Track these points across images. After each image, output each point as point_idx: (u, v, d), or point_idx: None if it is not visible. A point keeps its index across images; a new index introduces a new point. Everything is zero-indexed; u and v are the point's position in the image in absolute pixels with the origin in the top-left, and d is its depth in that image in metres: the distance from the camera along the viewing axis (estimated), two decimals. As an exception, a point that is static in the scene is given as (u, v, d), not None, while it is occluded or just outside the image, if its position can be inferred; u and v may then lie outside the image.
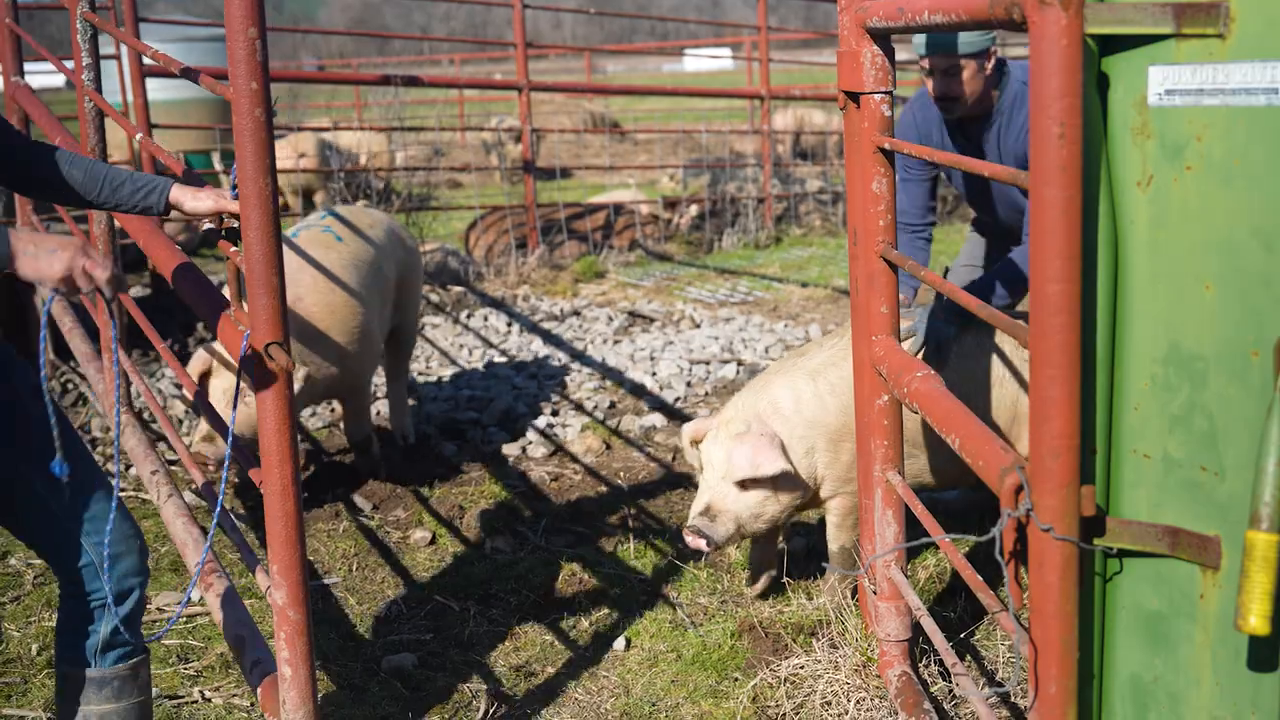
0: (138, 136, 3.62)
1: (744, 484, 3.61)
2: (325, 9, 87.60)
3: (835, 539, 3.87)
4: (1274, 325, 1.86)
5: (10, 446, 2.57)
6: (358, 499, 4.97)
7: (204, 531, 3.91)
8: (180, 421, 5.82)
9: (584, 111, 20.42)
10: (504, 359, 7.21)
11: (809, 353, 3.86)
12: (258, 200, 2.61)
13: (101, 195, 2.72)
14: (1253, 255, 1.89)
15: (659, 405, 6.32)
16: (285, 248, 4.65)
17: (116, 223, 4.98)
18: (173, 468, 5.14)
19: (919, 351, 3.71)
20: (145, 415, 5.69)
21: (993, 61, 3.99)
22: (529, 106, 9.88)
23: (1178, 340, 2.02)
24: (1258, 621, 1.83)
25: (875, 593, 3.24)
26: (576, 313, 8.34)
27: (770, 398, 3.73)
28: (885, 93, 2.99)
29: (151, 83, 7.53)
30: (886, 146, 2.98)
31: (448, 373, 6.90)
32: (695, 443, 3.79)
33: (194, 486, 4.91)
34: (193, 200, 2.76)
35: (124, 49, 7.21)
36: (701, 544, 3.59)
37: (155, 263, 3.50)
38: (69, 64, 5.16)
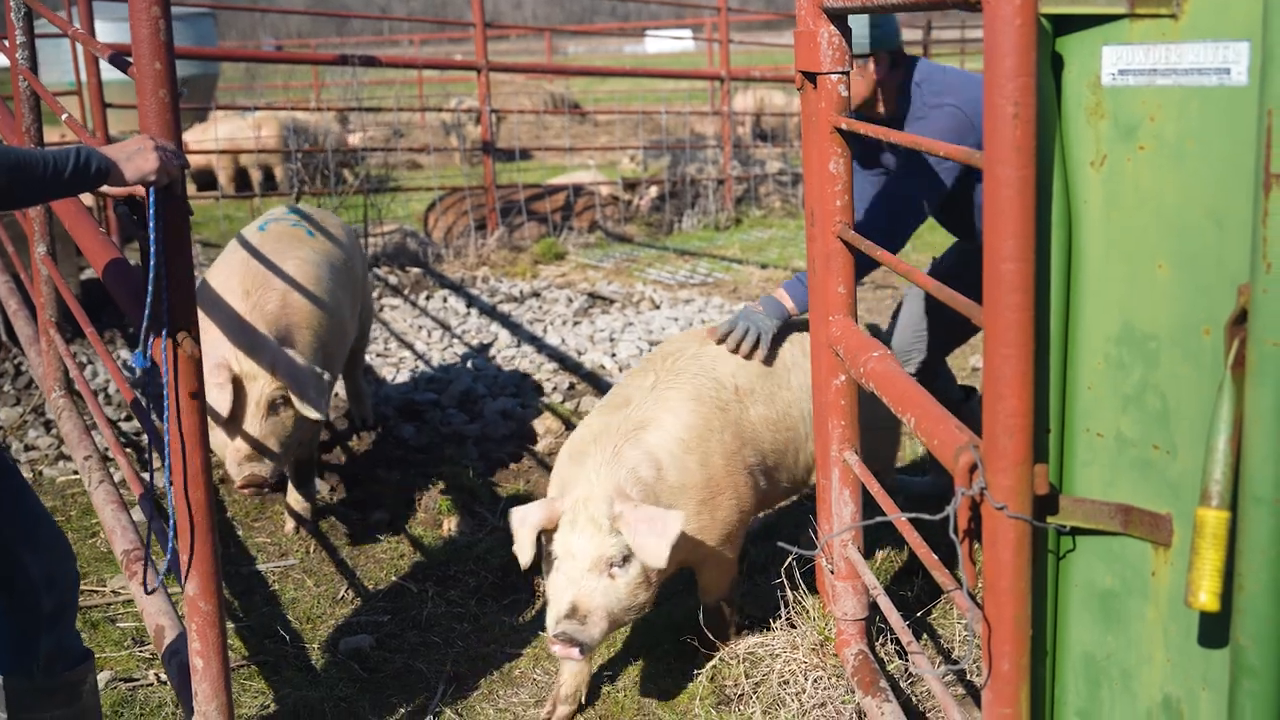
0: (64, 116, 3.58)
1: (612, 572, 3.09)
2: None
3: (710, 594, 3.56)
4: (1226, 304, 1.87)
5: None
6: (316, 481, 4.95)
7: (132, 520, 3.87)
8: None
9: (544, 92, 20.35)
10: (463, 340, 7.19)
11: (633, 402, 3.41)
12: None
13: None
14: (1205, 235, 1.90)
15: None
16: (262, 244, 4.50)
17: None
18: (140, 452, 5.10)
19: (738, 345, 3.57)
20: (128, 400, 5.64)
21: (883, 65, 3.82)
22: (488, 87, 9.84)
23: (1131, 319, 2.03)
24: (1208, 598, 1.84)
25: (832, 572, 3.25)
26: (536, 294, 8.32)
27: (628, 469, 3.22)
28: (842, 73, 2.99)
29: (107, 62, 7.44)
30: (843, 127, 2.98)
31: (406, 355, 6.87)
32: (546, 531, 3.17)
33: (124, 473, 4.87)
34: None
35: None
36: (574, 653, 3.04)
37: (85, 252, 3.44)
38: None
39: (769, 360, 3.60)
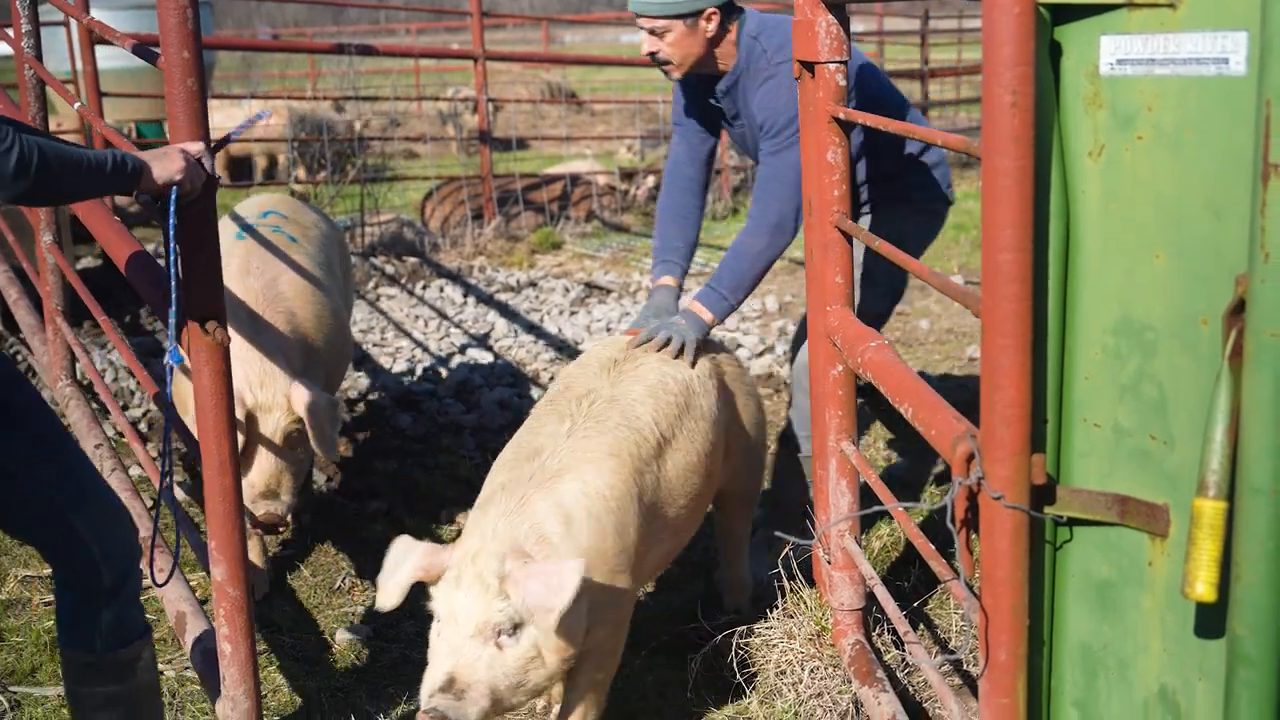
0: (76, 105, 3.58)
1: (500, 641, 2.66)
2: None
3: (578, 698, 3.06)
4: (1223, 295, 1.87)
5: (4, 440, 2.56)
6: (314, 470, 4.95)
7: (147, 507, 3.87)
8: (130, 394, 5.76)
9: (541, 82, 20.31)
10: (460, 330, 7.18)
11: (545, 450, 2.99)
12: None
13: None
14: (1203, 225, 1.90)
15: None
16: (248, 258, 4.15)
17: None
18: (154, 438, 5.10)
19: (661, 349, 3.37)
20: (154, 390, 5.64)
21: (715, 21, 3.57)
22: (485, 76, 9.82)
23: (1128, 310, 2.02)
24: (1205, 589, 1.84)
25: (829, 562, 3.25)
26: (533, 284, 8.32)
27: (532, 522, 2.80)
28: (840, 62, 2.98)
29: (102, 50, 7.42)
30: (841, 116, 2.97)
31: (403, 344, 6.87)
32: (429, 582, 2.76)
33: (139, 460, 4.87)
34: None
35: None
36: None
37: (104, 245, 3.43)
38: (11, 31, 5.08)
39: (688, 391, 3.28)
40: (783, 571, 3.41)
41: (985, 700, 2.14)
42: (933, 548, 2.59)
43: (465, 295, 8.03)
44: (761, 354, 6.64)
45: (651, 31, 3.61)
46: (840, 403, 3.17)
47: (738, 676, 3.33)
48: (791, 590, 3.45)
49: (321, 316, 4.22)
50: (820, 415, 3.22)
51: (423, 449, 5.21)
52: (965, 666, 3.36)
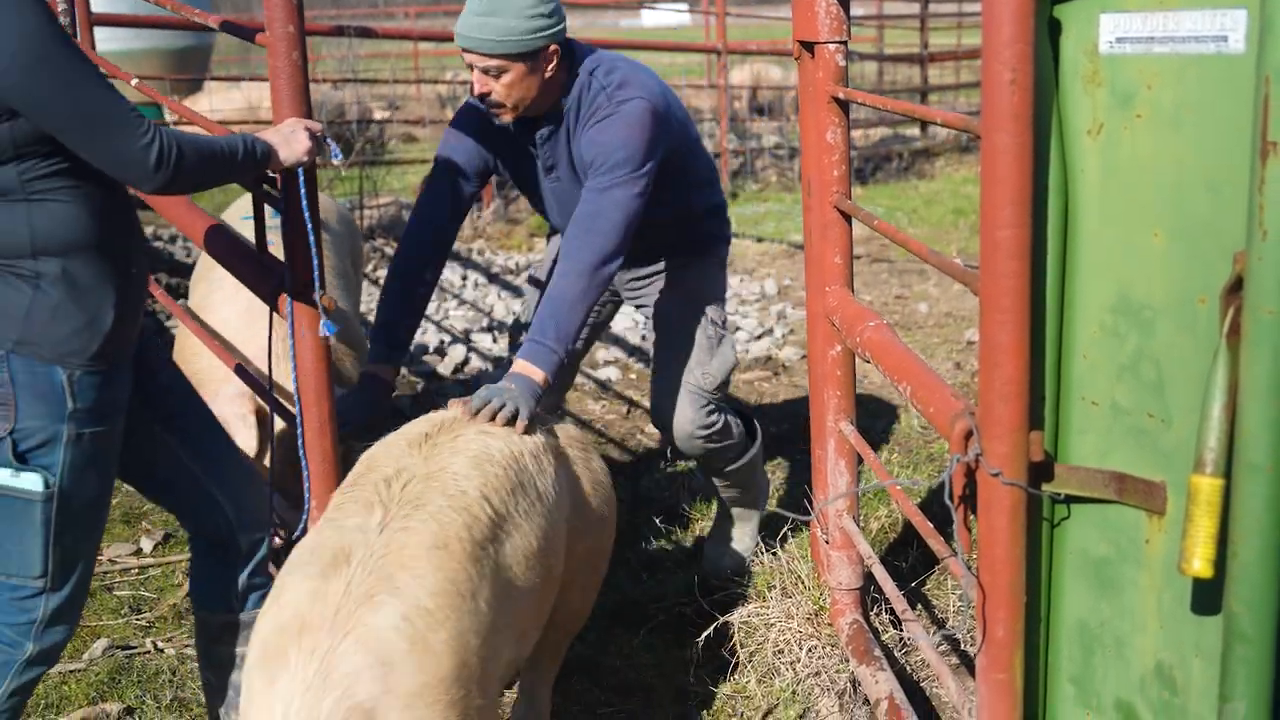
0: (133, 81, 3.60)
1: None
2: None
3: None
4: (1221, 273, 1.87)
5: (153, 416, 2.69)
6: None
7: None
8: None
9: (540, 65, 20.21)
10: (459, 312, 7.18)
11: (355, 555, 2.27)
12: None
13: None
14: (1201, 204, 1.90)
15: (613, 358, 6.32)
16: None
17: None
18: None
19: (493, 416, 2.80)
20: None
21: (556, 60, 3.28)
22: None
23: (1126, 288, 2.03)
24: (1201, 565, 1.85)
25: (827, 542, 3.26)
26: (531, 267, 8.32)
27: (337, 695, 2.09)
28: (840, 42, 2.98)
29: (100, 32, 7.40)
30: (841, 96, 2.97)
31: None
32: None
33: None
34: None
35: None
36: None
37: (175, 221, 3.48)
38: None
39: (519, 466, 2.66)
40: (781, 551, 3.42)
41: (982, 676, 2.15)
42: (930, 526, 2.60)
43: (464, 278, 8.03)
44: (760, 337, 6.65)
45: (485, 71, 3.23)
46: (839, 383, 3.18)
47: (736, 655, 3.34)
48: (789, 569, 3.47)
49: (352, 324, 4.19)
50: (819, 395, 3.23)
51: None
52: (963, 646, 3.37)
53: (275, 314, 2.92)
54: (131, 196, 2.58)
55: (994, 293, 1.95)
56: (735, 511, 3.95)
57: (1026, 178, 1.90)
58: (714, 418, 3.61)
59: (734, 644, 3.39)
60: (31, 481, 2.37)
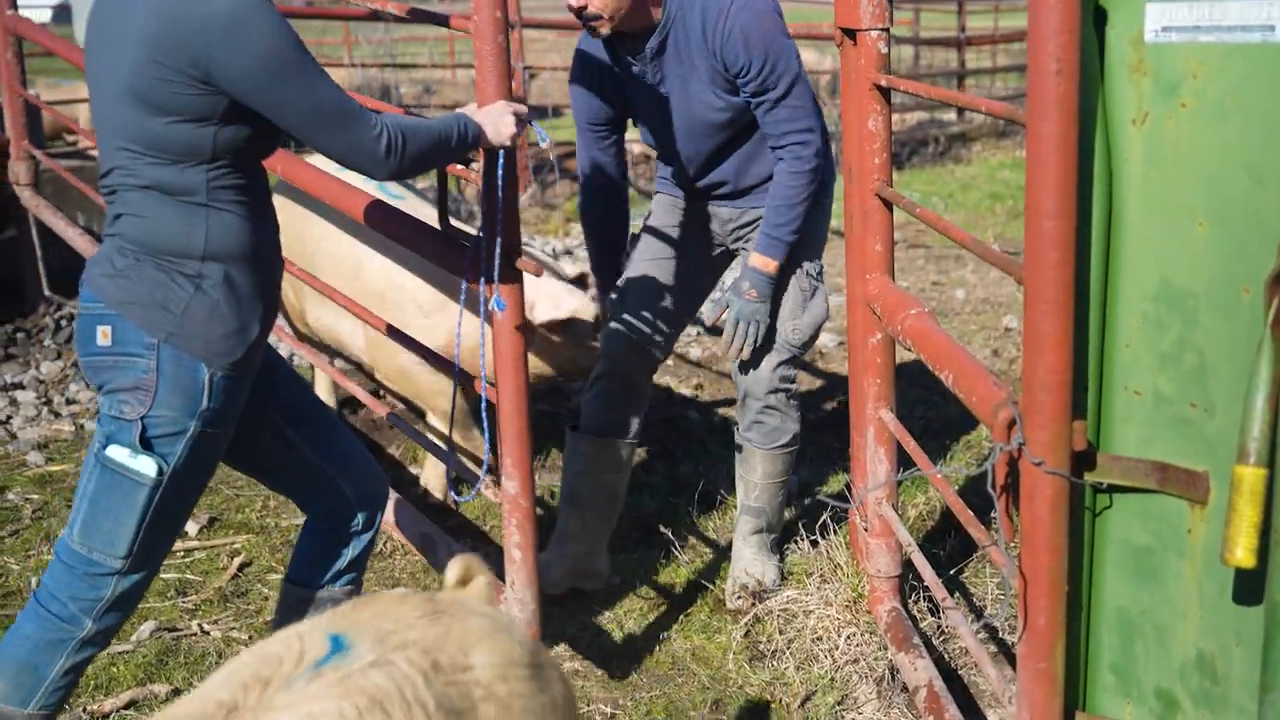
0: None
1: None
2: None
3: None
4: (1265, 263, 1.87)
5: (274, 410, 2.78)
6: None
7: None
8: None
9: (576, 50, 20.21)
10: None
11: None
12: None
13: None
14: (1245, 192, 1.90)
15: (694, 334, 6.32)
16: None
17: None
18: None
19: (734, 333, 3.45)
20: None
21: None
22: (521, 44, 9.82)
23: (1169, 277, 2.03)
24: (1244, 555, 1.85)
25: (866, 529, 3.27)
26: (569, 252, 8.33)
27: None
28: (882, 29, 2.98)
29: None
30: (883, 84, 2.97)
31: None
32: None
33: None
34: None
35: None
36: None
37: (322, 194, 3.62)
38: None
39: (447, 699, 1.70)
40: (820, 539, 3.42)
41: (1023, 664, 2.16)
42: (971, 513, 2.60)
43: (501, 263, 8.04)
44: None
45: None
46: (879, 370, 3.19)
47: (775, 642, 3.35)
48: (828, 557, 3.47)
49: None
50: (859, 382, 3.24)
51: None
52: (1002, 634, 3.38)
53: (468, 287, 3.03)
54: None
55: (1039, 283, 1.95)
56: (754, 539, 3.74)
57: (1072, 167, 1.90)
58: (794, 373, 3.61)
59: (773, 630, 3.40)
60: (146, 466, 2.46)
